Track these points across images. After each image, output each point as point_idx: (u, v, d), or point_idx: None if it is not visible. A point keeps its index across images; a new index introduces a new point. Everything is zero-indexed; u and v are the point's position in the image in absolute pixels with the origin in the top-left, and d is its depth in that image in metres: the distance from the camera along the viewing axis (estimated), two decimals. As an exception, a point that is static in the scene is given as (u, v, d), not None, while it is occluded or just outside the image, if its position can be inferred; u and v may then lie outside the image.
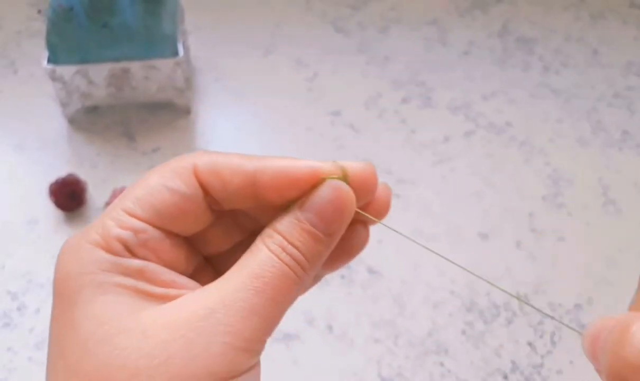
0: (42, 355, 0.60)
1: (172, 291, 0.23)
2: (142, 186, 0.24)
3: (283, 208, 0.25)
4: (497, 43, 0.90)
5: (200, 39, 0.88)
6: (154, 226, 0.24)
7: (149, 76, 0.74)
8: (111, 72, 0.73)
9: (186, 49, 0.81)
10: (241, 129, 0.79)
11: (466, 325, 0.61)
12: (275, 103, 0.82)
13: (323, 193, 0.24)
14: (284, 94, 0.82)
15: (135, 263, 0.23)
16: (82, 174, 0.70)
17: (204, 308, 0.21)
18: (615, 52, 0.89)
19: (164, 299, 0.23)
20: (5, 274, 0.65)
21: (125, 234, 0.23)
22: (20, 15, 0.92)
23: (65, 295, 0.23)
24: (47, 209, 0.69)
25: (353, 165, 0.25)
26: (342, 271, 0.65)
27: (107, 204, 0.67)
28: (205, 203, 0.25)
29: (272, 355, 0.59)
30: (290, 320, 0.61)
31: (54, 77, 0.73)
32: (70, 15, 0.69)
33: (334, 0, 0.95)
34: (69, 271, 0.23)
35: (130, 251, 0.23)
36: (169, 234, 0.24)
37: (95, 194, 0.71)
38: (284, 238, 0.24)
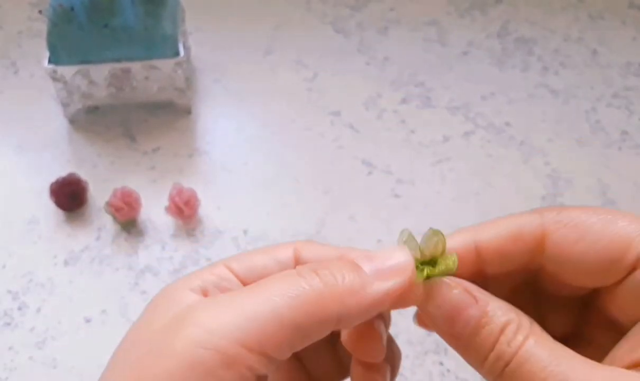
0: (43, 354, 0.60)
1: None
2: (249, 252, 0.26)
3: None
4: (496, 44, 0.90)
5: (200, 39, 0.88)
6: (242, 281, 0.25)
7: (149, 76, 0.75)
8: (112, 73, 0.73)
9: (187, 49, 0.81)
10: (241, 129, 0.79)
11: (465, 324, 0.62)
12: (275, 103, 0.82)
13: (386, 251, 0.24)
14: (284, 95, 0.83)
15: (191, 295, 0.24)
16: (83, 174, 0.71)
17: (192, 312, 0.22)
18: (614, 52, 0.89)
19: None
20: (6, 274, 0.65)
21: (210, 277, 0.25)
22: (21, 15, 0.92)
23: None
24: (48, 209, 0.70)
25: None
26: (341, 270, 0.65)
27: (108, 203, 0.67)
28: None
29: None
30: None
31: (54, 78, 0.73)
32: (71, 15, 0.69)
33: (334, 1, 0.96)
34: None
35: (206, 288, 0.24)
36: None
37: (96, 194, 0.71)
38: (320, 262, 0.23)
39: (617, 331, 0.23)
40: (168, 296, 0.24)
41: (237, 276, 0.24)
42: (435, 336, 0.61)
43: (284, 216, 0.70)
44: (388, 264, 0.22)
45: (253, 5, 0.95)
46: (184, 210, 0.66)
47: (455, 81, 0.85)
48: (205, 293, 0.24)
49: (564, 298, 0.25)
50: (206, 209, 0.69)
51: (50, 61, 0.72)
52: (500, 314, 0.22)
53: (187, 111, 0.80)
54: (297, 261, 0.25)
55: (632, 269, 0.22)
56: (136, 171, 0.74)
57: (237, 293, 0.22)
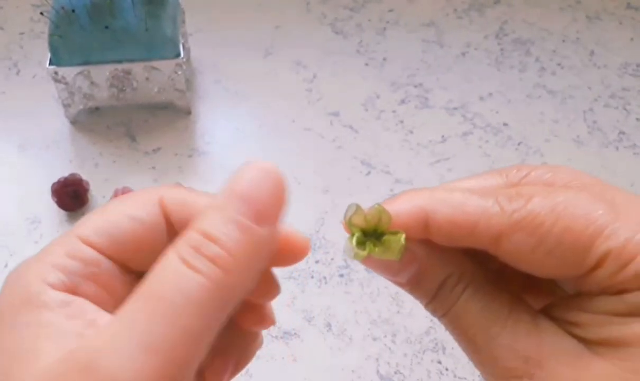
0: (45, 353, 0.60)
1: (87, 331, 0.19)
2: (100, 213, 0.22)
3: None
4: (494, 44, 0.91)
5: (200, 40, 0.89)
6: (109, 257, 0.21)
7: (150, 77, 0.75)
8: (113, 74, 0.74)
9: (187, 50, 0.82)
10: (241, 130, 0.80)
11: (463, 323, 0.62)
12: (275, 104, 0.82)
13: (247, 173, 0.19)
14: (283, 95, 0.83)
15: (60, 296, 0.20)
16: (85, 174, 0.71)
17: (86, 352, 0.17)
18: (612, 53, 0.90)
19: (74, 336, 0.19)
20: (8, 273, 0.66)
21: (73, 264, 0.21)
22: (23, 17, 0.93)
23: None
24: (50, 209, 0.70)
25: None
26: (340, 269, 0.66)
27: (109, 203, 0.68)
28: (167, 236, 0.22)
29: (271, 352, 0.60)
30: (290, 317, 0.62)
31: (56, 79, 0.74)
32: (73, 17, 0.69)
33: (333, 2, 0.96)
34: (1, 305, 0.21)
35: (74, 283, 0.21)
36: (123, 268, 0.22)
37: (97, 194, 0.72)
38: (202, 233, 0.18)
39: None
40: (20, 302, 0.20)
41: (100, 251, 0.21)
42: (433, 335, 0.61)
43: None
44: (265, 200, 0.19)
45: (253, 7, 0.95)
46: (185, 210, 0.67)
47: (454, 82, 0.85)
48: (72, 289, 0.20)
49: None
50: (206, 209, 0.70)
51: (51, 62, 0.73)
52: (439, 271, 0.22)
53: (187, 112, 0.80)
54: (167, 217, 0.22)
55: (593, 269, 0.20)
56: (137, 171, 0.74)
57: (129, 314, 0.18)
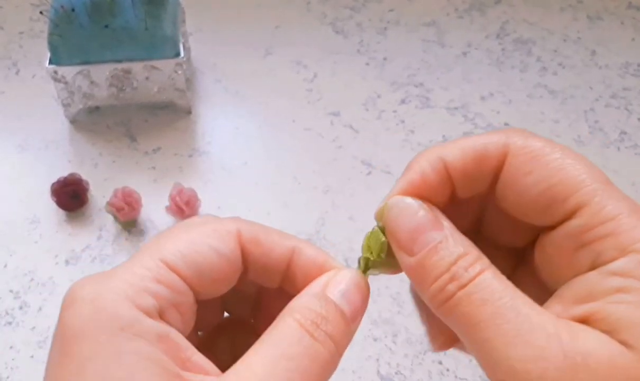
0: (44, 353, 0.60)
1: (189, 376, 0.20)
2: (183, 240, 0.22)
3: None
4: (495, 44, 0.90)
5: (200, 40, 0.89)
6: (190, 286, 0.22)
7: (150, 77, 0.75)
8: (112, 73, 0.74)
9: (187, 50, 0.81)
10: (241, 130, 0.80)
11: (464, 323, 0.62)
12: (275, 104, 0.82)
13: (349, 277, 0.24)
14: (283, 95, 0.83)
15: (158, 327, 0.20)
16: (84, 174, 0.71)
17: None
18: (613, 53, 0.89)
19: (173, 375, 0.20)
20: (7, 273, 0.65)
21: (163, 291, 0.21)
22: (22, 16, 0.93)
23: (78, 354, 0.19)
24: (49, 209, 0.70)
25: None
26: (341, 270, 0.66)
27: (109, 203, 0.67)
28: (240, 271, 0.24)
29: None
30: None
31: (56, 78, 0.73)
32: (72, 16, 0.69)
33: (333, 2, 0.96)
34: (84, 327, 0.20)
35: (163, 310, 0.21)
36: (197, 298, 0.23)
37: (97, 194, 0.71)
38: (318, 313, 0.22)
39: (545, 292, 0.23)
40: (115, 327, 0.19)
41: (185, 280, 0.22)
42: (434, 335, 0.61)
43: (283, 216, 0.70)
44: (358, 305, 0.24)
45: (253, 6, 0.95)
46: (185, 210, 0.67)
47: (454, 82, 0.85)
48: (161, 316, 0.21)
49: (501, 251, 0.25)
50: (206, 209, 0.70)
51: (51, 62, 0.72)
52: (462, 245, 0.22)
53: (187, 111, 0.80)
54: (242, 252, 0.24)
55: (569, 216, 0.21)
56: (137, 171, 0.74)
57: (266, 369, 0.20)
